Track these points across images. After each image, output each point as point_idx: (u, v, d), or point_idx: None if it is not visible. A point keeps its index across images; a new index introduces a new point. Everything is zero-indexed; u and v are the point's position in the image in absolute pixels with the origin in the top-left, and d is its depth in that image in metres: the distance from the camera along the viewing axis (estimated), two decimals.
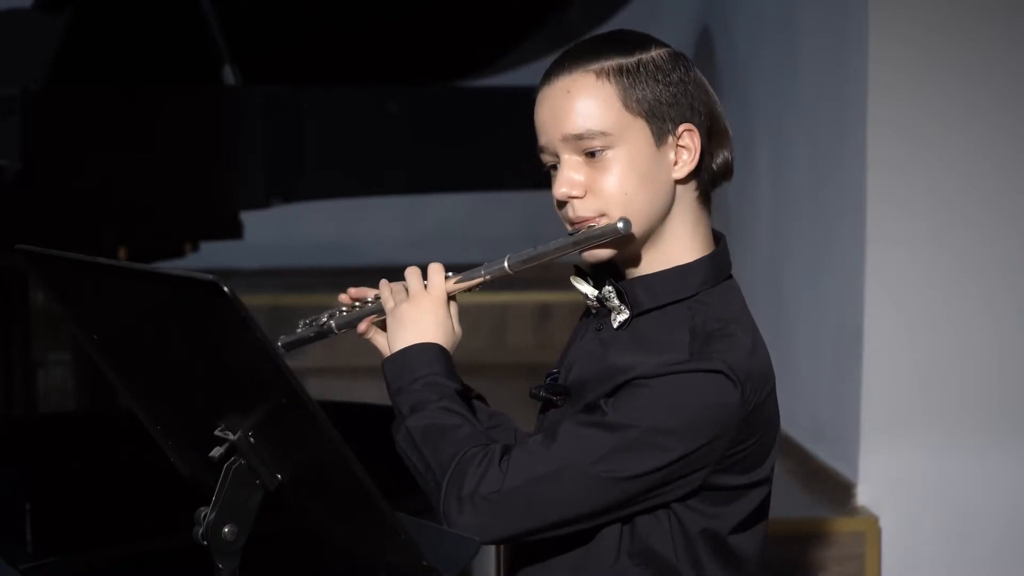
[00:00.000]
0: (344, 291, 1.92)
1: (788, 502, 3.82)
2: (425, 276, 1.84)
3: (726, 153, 1.82)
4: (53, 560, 2.26)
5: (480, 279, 1.81)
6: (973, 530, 3.72)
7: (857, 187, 3.74)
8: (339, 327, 1.89)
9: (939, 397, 3.73)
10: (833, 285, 3.98)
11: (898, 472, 3.74)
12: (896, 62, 3.68)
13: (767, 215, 4.63)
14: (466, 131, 4.47)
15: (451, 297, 1.83)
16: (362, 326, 1.87)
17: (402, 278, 1.85)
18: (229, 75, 4.23)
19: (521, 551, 1.82)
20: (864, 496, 3.77)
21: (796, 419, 4.22)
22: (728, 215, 4.94)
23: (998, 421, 3.73)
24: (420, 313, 1.80)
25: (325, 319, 1.91)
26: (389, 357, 1.80)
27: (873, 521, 3.70)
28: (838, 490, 3.84)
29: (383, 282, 1.86)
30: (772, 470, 1.80)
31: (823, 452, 4.05)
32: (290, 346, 1.93)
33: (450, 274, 1.83)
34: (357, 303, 1.90)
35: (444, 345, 1.80)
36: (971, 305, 3.72)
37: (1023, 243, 3.72)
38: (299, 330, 1.93)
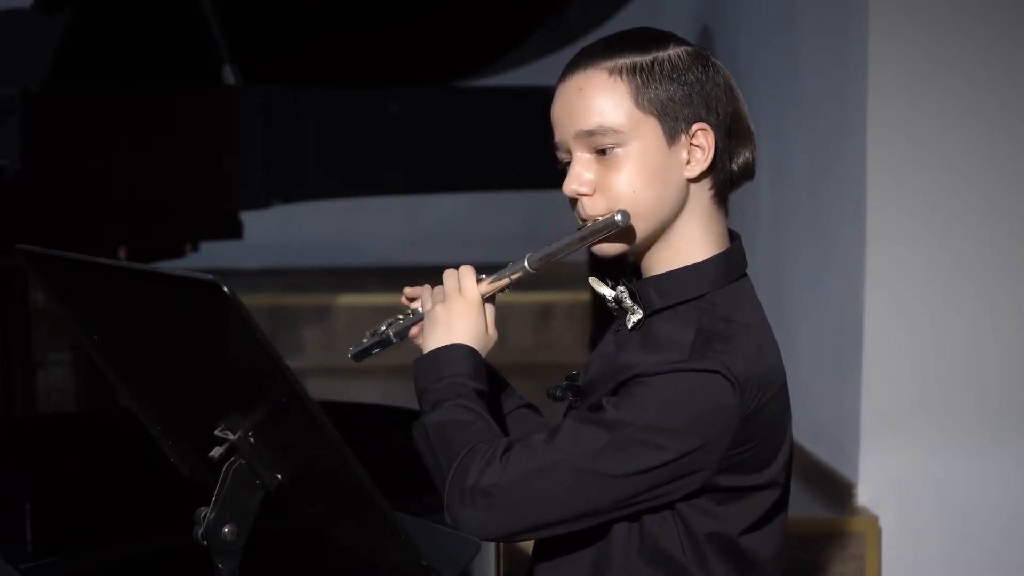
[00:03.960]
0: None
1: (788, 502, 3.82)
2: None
3: (748, 154, 1.82)
4: (53, 560, 2.26)
5: (507, 280, 1.81)
6: (973, 530, 3.72)
7: (857, 187, 3.74)
8: (396, 335, 1.92)
9: (939, 397, 3.73)
10: (833, 285, 3.98)
11: (898, 472, 3.74)
12: (896, 62, 3.68)
13: (767, 215, 4.62)
14: (466, 131, 4.46)
15: (488, 300, 1.82)
16: (413, 331, 1.90)
17: (439, 281, 1.85)
18: (229, 75, 4.22)
19: (539, 549, 1.82)
20: (864, 496, 3.77)
21: (796, 419, 4.19)
22: (728, 215, 4.94)
23: (998, 421, 3.73)
24: (453, 315, 1.80)
25: (384, 328, 1.93)
26: (419, 358, 1.81)
27: (873, 521, 3.70)
28: (838, 490, 3.84)
29: (425, 286, 1.88)
30: (786, 471, 1.80)
31: (823, 452, 4.04)
32: (359, 356, 1.96)
33: (483, 276, 1.83)
34: (410, 312, 1.92)
35: (475, 347, 1.79)
36: (971, 305, 3.72)
37: (1023, 243, 3.71)
38: (364, 340, 1.96)
